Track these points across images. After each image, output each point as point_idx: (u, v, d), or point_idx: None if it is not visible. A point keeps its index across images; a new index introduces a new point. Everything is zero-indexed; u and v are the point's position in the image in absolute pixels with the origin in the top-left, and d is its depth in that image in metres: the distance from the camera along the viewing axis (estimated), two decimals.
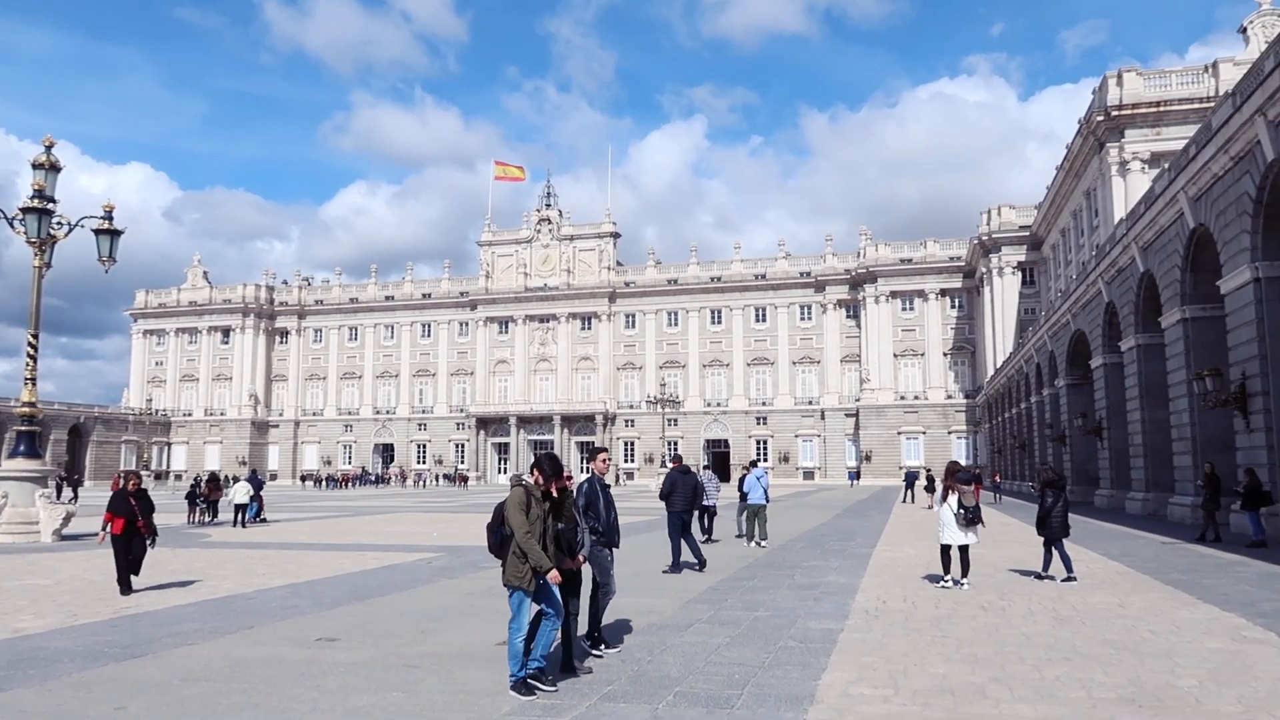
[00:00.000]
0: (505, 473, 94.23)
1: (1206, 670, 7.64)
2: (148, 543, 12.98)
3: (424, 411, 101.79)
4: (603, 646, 8.42)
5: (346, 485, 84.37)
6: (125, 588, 12.58)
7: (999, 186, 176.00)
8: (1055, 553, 13.84)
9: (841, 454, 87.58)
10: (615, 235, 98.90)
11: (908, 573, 14.66)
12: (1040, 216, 69.23)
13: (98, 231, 23.93)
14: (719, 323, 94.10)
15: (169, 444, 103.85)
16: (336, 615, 10.81)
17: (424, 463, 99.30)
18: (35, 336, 23.54)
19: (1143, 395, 28.89)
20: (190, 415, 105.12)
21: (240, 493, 28.51)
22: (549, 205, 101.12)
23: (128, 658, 8.42)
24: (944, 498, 12.97)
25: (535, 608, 7.12)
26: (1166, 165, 26.24)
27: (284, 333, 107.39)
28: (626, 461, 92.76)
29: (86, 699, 6.94)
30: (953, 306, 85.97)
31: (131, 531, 12.70)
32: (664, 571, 14.69)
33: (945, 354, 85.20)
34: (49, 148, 23.81)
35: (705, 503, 20.46)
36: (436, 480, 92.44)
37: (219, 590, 13.11)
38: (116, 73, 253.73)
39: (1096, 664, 7.90)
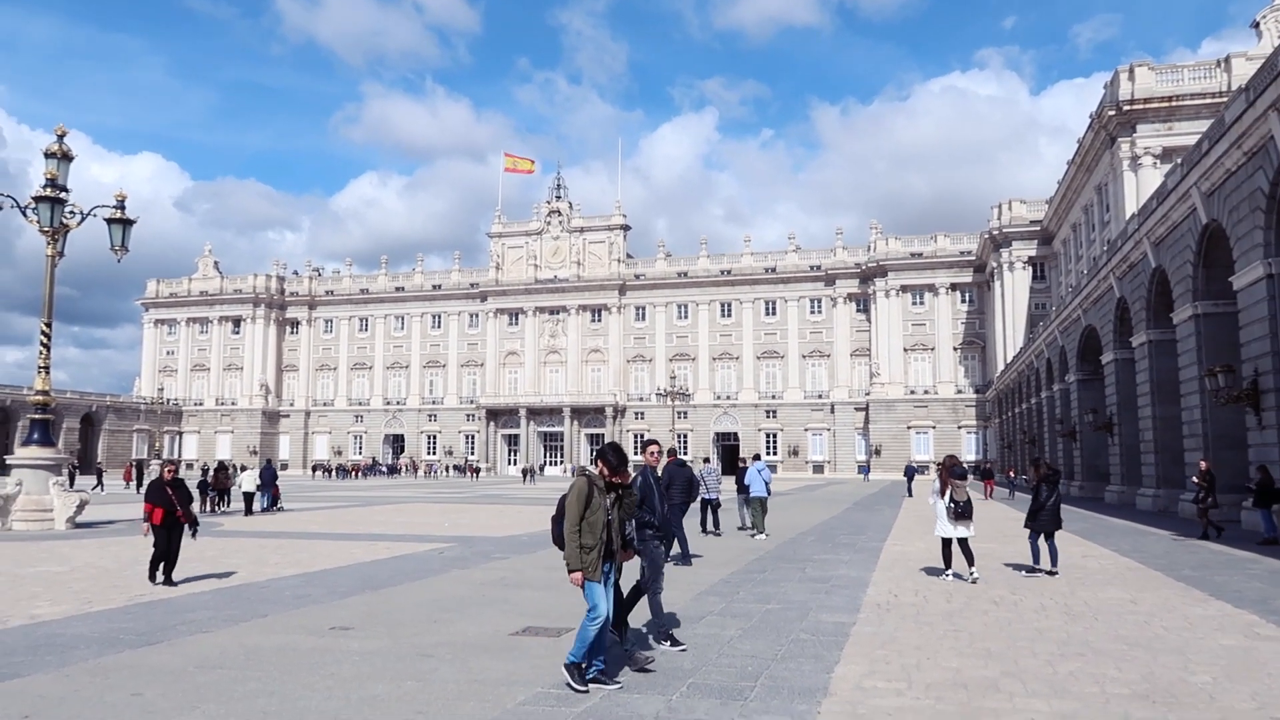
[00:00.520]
0: (515, 464, 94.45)
1: (1220, 667, 7.62)
2: (189, 532, 12.87)
3: (434, 403, 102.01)
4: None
5: (357, 475, 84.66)
6: (166, 578, 12.45)
7: (1010, 181, 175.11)
8: (1045, 545, 13.88)
9: (851, 448, 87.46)
10: (625, 228, 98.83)
11: (919, 567, 14.67)
12: (1051, 211, 68.92)
13: (110, 221, 24.02)
14: (729, 316, 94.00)
15: (180, 433, 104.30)
16: (349, 604, 10.87)
17: (434, 454, 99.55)
18: (48, 325, 23.66)
19: (1154, 391, 28.79)
20: (201, 405, 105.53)
21: (248, 480, 28.67)
22: (559, 197, 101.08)
23: (143, 645, 8.48)
24: (941, 492, 13.09)
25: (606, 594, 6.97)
26: (1179, 160, 26.08)
27: (294, 323, 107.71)
28: (635, 455, 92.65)
29: (103, 685, 7.00)
30: (963, 301, 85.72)
31: (171, 522, 12.59)
32: (674, 564, 14.71)
33: (955, 348, 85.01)
34: (61, 137, 23.91)
35: (707, 496, 20.51)
36: (447, 471, 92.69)
37: (232, 579, 13.20)
38: (128, 63, 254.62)
39: (1109, 660, 7.89)
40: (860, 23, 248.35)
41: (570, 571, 6.89)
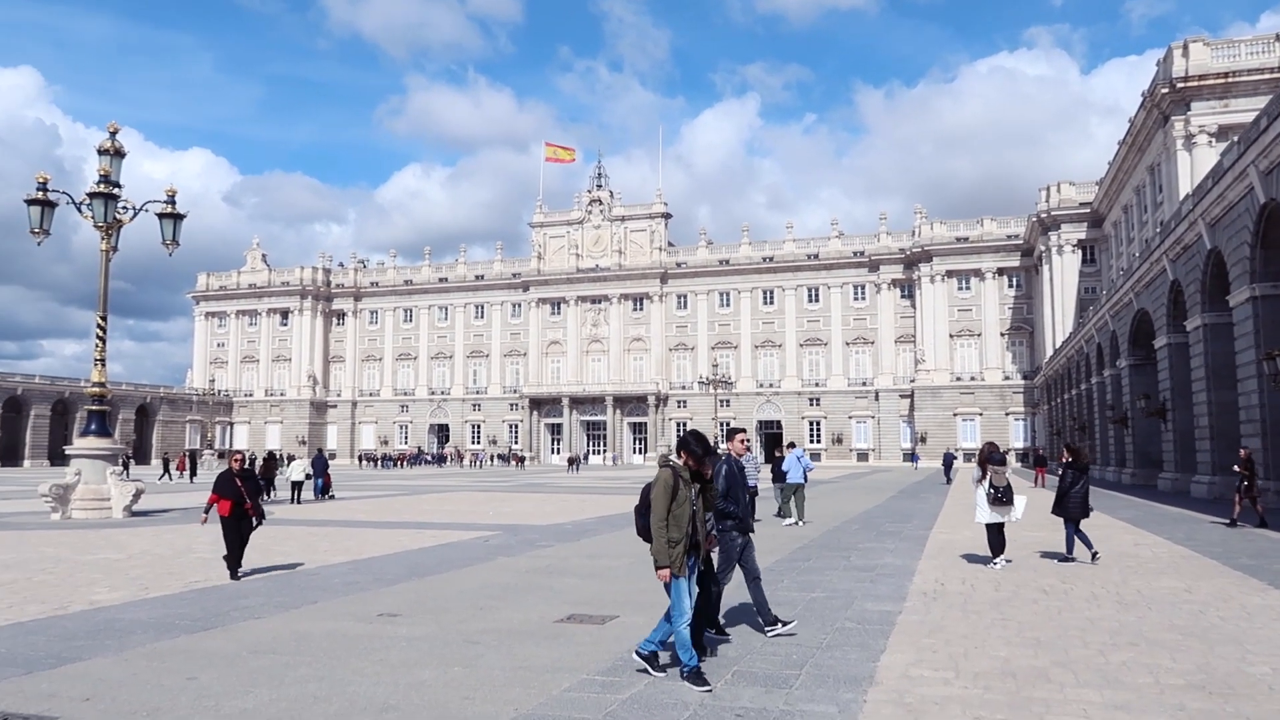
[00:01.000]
0: (558, 453, 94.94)
1: None
2: (255, 523, 12.40)
3: (478, 392, 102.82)
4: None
5: (403, 465, 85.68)
6: (235, 570, 12.07)
7: (1059, 162, 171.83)
8: (1076, 534, 13.65)
9: (896, 435, 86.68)
10: (666, 216, 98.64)
11: (965, 555, 14.50)
12: (1101, 193, 67.48)
13: (161, 215, 24.52)
14: (771, 303, 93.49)
15: (231, 424, 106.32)
16: (397, 591, 11.00)
17: (478, 443, 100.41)
18: (104, 319, 24.20)
19: (1209, 376, 28.14)
20: (251, 395, 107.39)
21: (296, 470, 29.14)
22: (600, 186, 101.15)
23: (198, 630, 8.67)
24: (981, 478, 12.96)
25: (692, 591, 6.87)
26: (1235, 138, 25.38)
27: (341, 314, 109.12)
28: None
29: (160, 669, 7.16)
30: (1010, 286, 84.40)
31: (240, 514, 12.17)
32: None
33: (1002, 334, 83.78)
34: (114, 134, 24.41)
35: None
36: (493, 460, 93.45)
37: (283, 566, 13.42)
38: (177, 59, 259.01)
39: (1164, 650, 7.74)
40: (906, 3, 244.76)
41: (658, 568, 6.65)
